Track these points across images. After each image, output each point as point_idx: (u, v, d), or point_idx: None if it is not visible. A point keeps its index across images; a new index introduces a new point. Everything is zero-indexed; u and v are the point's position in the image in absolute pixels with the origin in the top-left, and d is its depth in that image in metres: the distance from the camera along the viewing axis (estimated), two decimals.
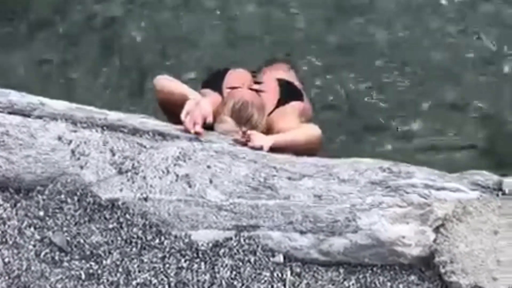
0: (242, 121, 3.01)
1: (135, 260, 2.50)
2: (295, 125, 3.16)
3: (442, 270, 2.42)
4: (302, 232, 2.50)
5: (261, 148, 2.87)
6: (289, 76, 3.60)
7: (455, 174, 2.66)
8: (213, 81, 3.39)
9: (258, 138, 2.93)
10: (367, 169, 2.60)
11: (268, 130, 3.12)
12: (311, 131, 3.04)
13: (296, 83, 3.52)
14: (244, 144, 2.86)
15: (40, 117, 2.75)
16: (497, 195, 2.57)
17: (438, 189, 2.56)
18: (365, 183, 2.56)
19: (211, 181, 2.59)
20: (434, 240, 2.47)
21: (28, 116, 2.75)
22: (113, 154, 2.66)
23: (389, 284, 2.46)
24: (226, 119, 3.05)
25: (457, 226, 2.47)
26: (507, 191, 2.57)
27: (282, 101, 3.28)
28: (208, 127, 3.01)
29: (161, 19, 4.20)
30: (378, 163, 2.64)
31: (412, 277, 2.47)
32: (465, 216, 2.49)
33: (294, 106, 3.27)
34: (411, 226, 2.48)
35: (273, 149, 2.85)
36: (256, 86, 3.32)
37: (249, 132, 2.95)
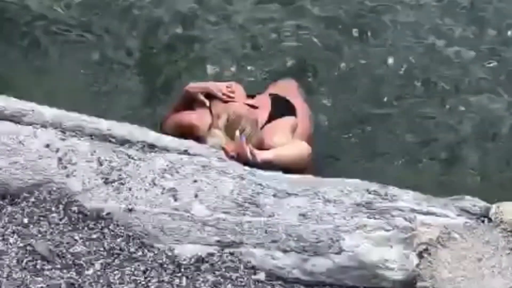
0: (234, 135, 3.01)
1: (117, 272, 2.49)
2: (285, 141, 3.16)
3: None
4: (285, 251, 2.49)
5: (251, 160, 2.87)
6: (290, 92, 3.58)
7: (441, 199, 2.65)
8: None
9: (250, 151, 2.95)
10: (353, 190, 2.59)
11: (258, 145, 3.12)
12: (299, 148, 3.04)
13: (295, 99, 3.50)
14: (232, 157, 2.87)
15: (29, 123, 2.75)
16: (483, 221, 2.56)
17: (424, 213, 2.55)
18: (351, 204, 2.55)
19: (196, 196, 2.59)
20: (417, 265, 2.46)
21: (18, 122, 2.75)
22: (100, 164, 2.66)
23: None
24: (217, 133, 3.05)
25: (441, 252, 2.46)
26: (493, 218, 2.56)
27: (273, 116, 3.28)
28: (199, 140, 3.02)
29: None
30: (364, 185, 2.63)
31: None
32: (449, 241, 2.48)
33: (285, 121, 3.26)
34: (394, 250, 2.47)
35: (260, 165, 2.85)
36: (249, 101, 3.33)
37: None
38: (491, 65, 3.96)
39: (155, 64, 4.01)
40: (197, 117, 3.26)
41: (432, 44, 4.06)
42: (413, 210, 2.55)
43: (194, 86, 3.43)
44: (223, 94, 3.35)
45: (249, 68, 3.98)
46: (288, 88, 3.63)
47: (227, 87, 3.39)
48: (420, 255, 2.47)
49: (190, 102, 3.42)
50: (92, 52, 4.07)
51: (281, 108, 3.31)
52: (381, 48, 4.05)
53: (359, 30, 4.10)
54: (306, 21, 4.16)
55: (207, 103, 3.32)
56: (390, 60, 4.00)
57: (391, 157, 3.57)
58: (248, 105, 3.28)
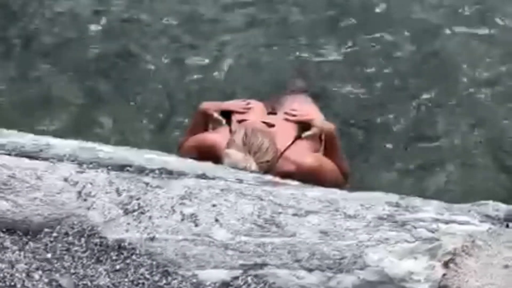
0: (252, 149, 3.01)
1: None
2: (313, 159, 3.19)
3: None
4: (309, 270, 2.48)
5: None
6: (308, 108, 3.58)
7: (463, 205, 2.63)
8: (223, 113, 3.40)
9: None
10: (374, 204, 2.58)
11: (277, 160, 3.12)
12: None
13: (315, 116, 3.49)
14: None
15: (46, 158, 2.76)
16: (507, 226, 2.53)
17: (446, 222, 2.52)
18: (372, 218, 2.54)
19: (217, 220, 2.58)
20: (444, 275, 2.43)
21: (35, 158, 2.77)
22: (119, 194, 2.66)
23: None
24: (232, 153, 3.04)
25: (467, 261, 2.44)
26: None
27: (299, 136, 3.28)
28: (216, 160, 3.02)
29: None
30: (385, 197, 2.61)
31: None
32: (474, 249, 2.46)
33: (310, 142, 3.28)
34: (419, 262, 2.45)
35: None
36: (267, 119, 3.32)
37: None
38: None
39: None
40: (219, 136, 3.26)
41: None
42: (435, 220, 2.52)
43: (208, 104, 3.43)
44: (240, 107, 3.36)
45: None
46: (304, 102, 3.64)
47: (243, 102, 3.41)
48: (445, 265, 2.44)
49: (205, 122, 3.43)
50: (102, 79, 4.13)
51: (306, 128, 3.31)
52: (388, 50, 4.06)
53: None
54: None
55: (223, 121, 3.33)
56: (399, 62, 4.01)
57: (407, 166, 3.56)
58: (264, 122, 3.29)
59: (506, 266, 2.41)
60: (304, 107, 3.48)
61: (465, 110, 3.77)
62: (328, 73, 4.01)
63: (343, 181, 3.24)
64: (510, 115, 3.68)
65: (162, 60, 4.16)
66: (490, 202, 2.63)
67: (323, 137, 3.31)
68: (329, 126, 3.31)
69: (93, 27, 4.34)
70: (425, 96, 3.85)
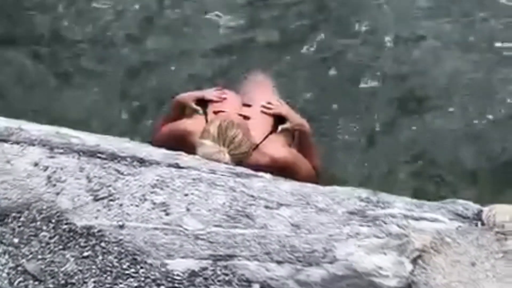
0: (226, 141, 3.00)
1: None
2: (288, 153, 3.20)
3: None
4: (279, 262, 2.48)
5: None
6: (274, 95, 3.59)
7: (434, 203, 2.64)
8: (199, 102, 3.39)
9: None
10: (345, 198, 2.58)
11: (250, 153, 3.11)
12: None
13: (281, 102, 3.50)
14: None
15: (17, 142, 2.73)
16: (476, 225, 2.56)
17: (416, 219, 2.54)
18: (343, 212, 2.54)
19: (188, 209, 2.57)
20: (412, 272, 2.44)
21: (5, 141, 2.73)
22: (90, 181, 2.64)
23: None
24: (205, 143, 3.02)
25: (435, 258, 2.45)
26: (485, 221, 2.55)
27: (274, 129, 3.28)
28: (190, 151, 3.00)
29: None
30: (356, 192, 2.62)
31: None
32: (443, 247, 2.47)
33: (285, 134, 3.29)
34: (388, 257, 2.46)
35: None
36: (244, 112, 3.31)
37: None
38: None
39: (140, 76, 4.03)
40: (195, 123, 3.25)
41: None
42: (405, 216, 2.53)
43: (184, 95, 3.42)
44: (215, 96, 3.35)
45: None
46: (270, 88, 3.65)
47: (217, 91, 3.40)
48: (414, 262, 2.46)
49: (182, 112, 3.41)
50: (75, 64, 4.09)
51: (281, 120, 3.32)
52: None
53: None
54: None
55: (200, 110, 3.31)
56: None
57: (381, 162, 3.58)
58: (241, 115, 3.28)
59: (473, 264, 2.43)
60: (275, 98, 3.49)
61: None
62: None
63: (316, 178, 3.24)
64: None
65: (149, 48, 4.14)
66: (461, 200, 2.65)
67: (295, 132, 3.32)
68: (303, 121, 3.31)
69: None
70: None
